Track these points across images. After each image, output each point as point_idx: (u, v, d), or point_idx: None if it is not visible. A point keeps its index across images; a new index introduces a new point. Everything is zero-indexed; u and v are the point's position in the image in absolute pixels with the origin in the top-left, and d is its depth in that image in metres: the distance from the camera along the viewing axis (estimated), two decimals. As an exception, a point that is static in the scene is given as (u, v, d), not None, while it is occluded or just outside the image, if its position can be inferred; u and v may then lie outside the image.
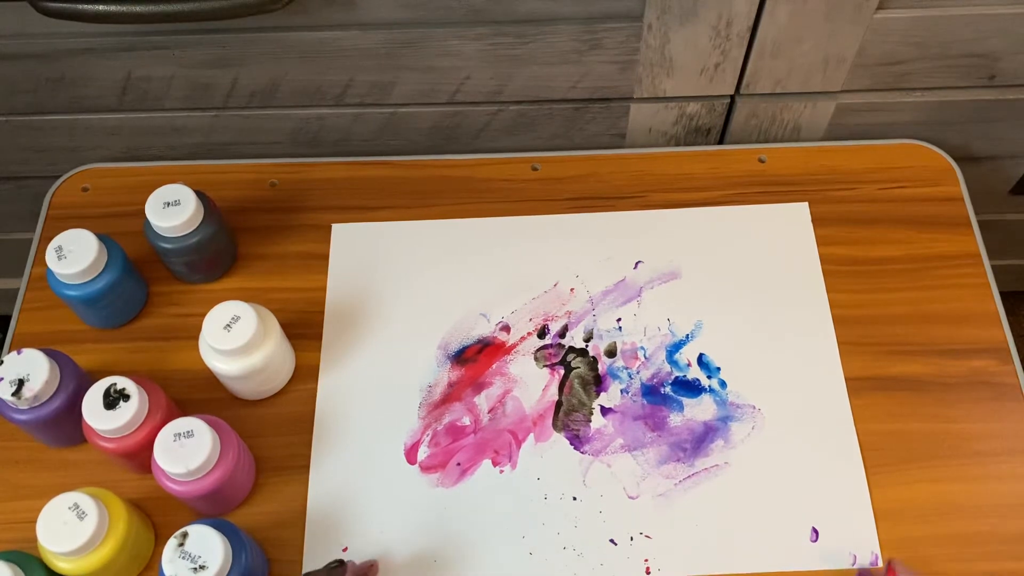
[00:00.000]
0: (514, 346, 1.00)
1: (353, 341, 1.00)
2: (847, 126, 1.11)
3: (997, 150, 1.16)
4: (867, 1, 0.94)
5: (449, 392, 0.97)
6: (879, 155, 1.09)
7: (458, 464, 0.94)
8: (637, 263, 1.03)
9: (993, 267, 1.02)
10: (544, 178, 1.09)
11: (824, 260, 1.03)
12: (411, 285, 1.03)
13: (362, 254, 1.05)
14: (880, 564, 0.88)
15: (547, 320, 1.01)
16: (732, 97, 1.08)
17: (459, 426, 0.96)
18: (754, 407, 0.95)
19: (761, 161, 1.09)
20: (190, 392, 0.97)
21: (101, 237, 0.95)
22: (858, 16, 0.96)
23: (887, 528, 0.90)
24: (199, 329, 0.91)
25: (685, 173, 1.09)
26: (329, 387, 0.98)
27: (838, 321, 1.00)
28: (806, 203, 1.06)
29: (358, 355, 1.00)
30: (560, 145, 1.13)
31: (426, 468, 0.94)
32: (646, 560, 0.89)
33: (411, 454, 0.94)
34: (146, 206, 0.95)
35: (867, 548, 0.89)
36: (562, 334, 1.00)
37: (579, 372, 0.98)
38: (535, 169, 1.09)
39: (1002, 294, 1.02)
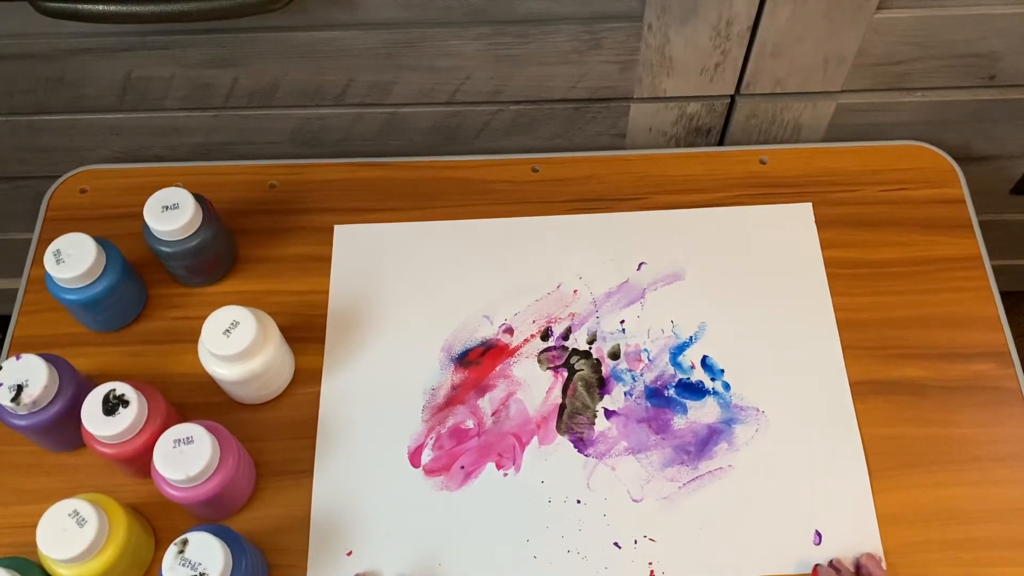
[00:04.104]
0: (517, 348, 0.99)
1: (356, 344, 1.00)
2: (847, 126, 1.11)
3: (997, 150, 1.16)
4: (867, 1, 0.94)
5: (452, 395, 0.97)
6: (880, 156, 1.09)
7: (462, 467, 0.94)
8: (640, 265, 1.03)
9: (993, 267, 1.03)
10: (544, 179, 1.09)
11: (825, 263, 1.03)
12: (414, 287, 1.03)
13: (365, 256, 1.04)
14: (884, 567, 0.88)
15: (550, 322, 1.00)
16: (732, 97, 1.08)
17: (463, 429, 0.95)
18: (758, 410, 0.95)
19: (762, 162, 1.09)
20: (189, 396, 0.97)
21: (99, 240, 0.94)
22: (858, 16, 0.96)
23: (887, 532, 0.90)
24: (199, 332, 0.90)
25: (686, 174, 1.08)
26: (332, 390, 0.97)
27: (839, 324, 0.99)
28: (809, 204, 1.06)
29: (361, 358, 0.99)
30: (560, 145, 1.13)
31: (430, 471, 0.94)
32: (650, 563, 0.89)
33: (415, 457, 0.94)
34: (144, 210, 0.94)
35: (870, 551, 0.89)
36: (565, 336, 1.00)
37: (583, 374, 0.98)
38: (535, 171, 1.09)
39: (1002, 294, 1.02)
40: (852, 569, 0.87)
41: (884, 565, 0.88)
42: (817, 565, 0.88)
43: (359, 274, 1.04)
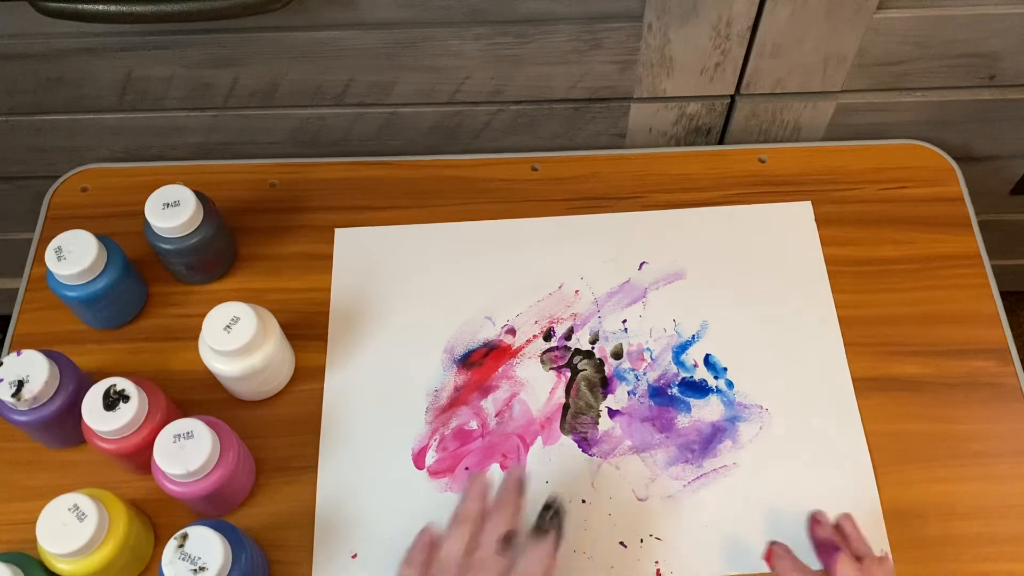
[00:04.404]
0: (520, 349, 0.99)
1: (359, 346, 1.00)
2: (847, 126, 1.11)
3: (997, 150, 1.16)
4: (867, 1, 0.95)
5: (456, 396, 0.97)
6: (879, 155, 1.09)
7: (466, 468, 0.93)
8: (642, 264, 1.03)
9: (993, 267, 1.03)
10: (544, 178, 1.09)
11: (826, 260, 1.03)
12: (415, 289, 1.03)
13: (366, 258, 1.04)
14: (891, 563, 0.88)
15: (552, 322, 1.00)
16: (732, 97, 1.08)
17: (466, 430, 0.95)
18: (761, 407, 0.95)
19: (762, 161, 1.09)
20: (190, 393, 0.96)
21: (100, 238, 0.94)
22: (858, 16, 0.96)
23: (888, 528, 0.90)
24: (199, 330, 0.91)
25: (686, 173, 1.09)
26: (336, 392, 0.97)
27: (841, 321, 0.99)
28: (809, 202, 1.06)
29: (364, 360, 0.99)
30: (560, 145, 1.13)
31: (434, 473, 0.93)
32: (656, 562, 0.89)
33: (419, 459, 0.94)
34: (146, 207, 0.94)
35: (876, 547, 0.88)
36: (568, 336, 0.99)
37: (586, 374, 0.97)
38: (535, 169, 1.09)
39: (1002, 294, 1.02)
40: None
41: (890, 560, 0.88)
42: (772, 544, 0.85)
43: (360, 277, 1.03)
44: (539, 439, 0.95)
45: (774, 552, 0.84)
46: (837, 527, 0.87)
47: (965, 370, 0.97)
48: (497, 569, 0.73)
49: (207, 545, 0.78)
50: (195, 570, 0.77)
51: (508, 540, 0.75)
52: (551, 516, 0.78)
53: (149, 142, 1.12)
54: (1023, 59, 1.03)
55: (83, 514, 0.80)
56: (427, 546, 0.77)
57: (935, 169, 1.08)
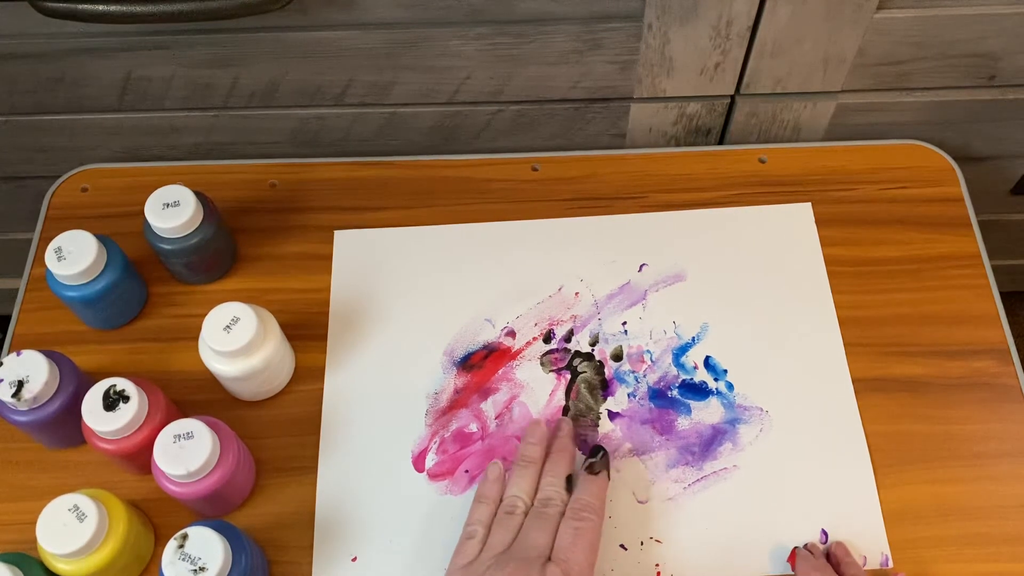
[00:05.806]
0: (520, 351, 0.99)
1: (358, 349, 0.99)
2: (847, 126, 1.11)
3: (997, 150, 1.16)
4: (867, 1, 0.94)
5: (456, 399, 0.97)
6: (879, 155, 1.09)
7: (466, 471, 0.93)
8: (641, 266, 1.03)
9: (993, 267, 1.02)
10: (544, 178, 1.09)
11: (826, 261, 1.03)
12: (415, 291, 1.02)
13: (365, 261, 1.04)
14: (891, 565, 0.88)
15: (552, 325, 1.00)
16: (732, 97, 1.08)
17: (466, 433, 0.95)
18: (762, 409, 0.95)
19: (762, 161, 1.09)
20: (190, 393, 0.96)
21: (100, 238, 0.94)
22: (858, 16, 0.96)
23: (888, 529, 0.90)
24: (199, 330, 0.90)
25: (686, 173, 1.09)
26: (335, 395, 0.97)
27: (840, 322, 0.99)
28: (809, 203, 1.06)
29: (363, 363, 0.99)
30: (560, 145, 1.13)
31: (434, 476, 0.93)
32: (657, 565, 0.89)
33: (419, 462, 0.94)
34: (145, 207, 0.94)
35: (876, 549, 0.88)
36: (568, 338, 0.99)
37: (586, 376, 0.97)
38: (535, 169, 1.09)
39: (1002, 294, 1.02)
40: (824, 556, 0.88)
41: (891, 563, 0.88)
42: (796, 548, 0.88)
43: (360, 279, 1.03)
44: (539, 441, 0.95)
45: (797, 553, 0.85)
46: (828, 555, 0.87)
47: (965, 370, 0.97)
48: (564, 501, 0.85)
49: (207, 545, 0.78)
50: (195, 570, 0.77)
51: (569, 481, 0.87)
52: (600, 457, 0.89)
53: (149, 142, 1.12)
54: (1023, 59, 1.03)
55: (83, 514, 0.80)
56: (498, 483, 0.89)
57: (935, 169, 1.08)
